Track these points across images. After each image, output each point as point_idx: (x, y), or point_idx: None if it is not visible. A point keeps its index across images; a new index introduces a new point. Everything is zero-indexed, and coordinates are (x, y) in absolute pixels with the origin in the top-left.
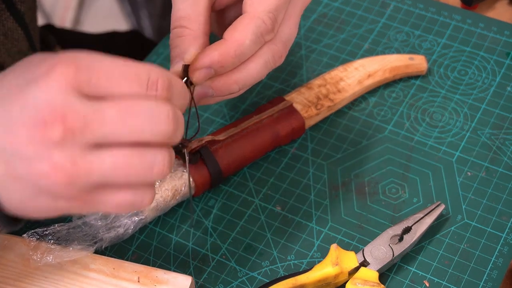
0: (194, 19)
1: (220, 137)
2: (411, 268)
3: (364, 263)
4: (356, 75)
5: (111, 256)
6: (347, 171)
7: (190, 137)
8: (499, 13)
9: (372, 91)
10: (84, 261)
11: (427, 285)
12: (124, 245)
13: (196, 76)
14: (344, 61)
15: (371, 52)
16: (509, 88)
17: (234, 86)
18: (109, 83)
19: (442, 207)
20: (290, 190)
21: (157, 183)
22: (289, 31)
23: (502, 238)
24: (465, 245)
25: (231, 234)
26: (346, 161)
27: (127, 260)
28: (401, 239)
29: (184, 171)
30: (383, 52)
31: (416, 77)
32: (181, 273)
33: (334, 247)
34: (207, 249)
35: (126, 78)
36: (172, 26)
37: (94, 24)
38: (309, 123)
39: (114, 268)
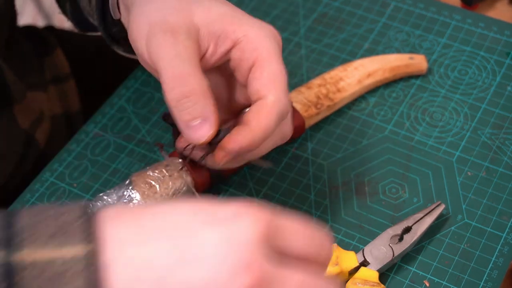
0: (196, 72)
1: None
2: (411, 268)
3: (364, 263)
4: (356, 75)
5: None
6: (347, 171)
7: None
8: (499, 13)
9: (372, 91)
10: None
11: (427, 285)
12: None
13: (220, 159)
14: (344, 61)
15: (371, 52)
16: (509, 88)
17: (242, 161)
18: (292, 241)
19: (442, 207)
20: (290, 190)
21: (157, 184)
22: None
23: (502, 238)
24: (465, 245)
25: None
26: (346, 161)
27: None
28: (401, 239)
29: (185, 170)
30: (383, 52)
31: (416, 76)
32: None
33: (334, 247)
34: None
35: (305, 238)
36: (168, 86)
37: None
38: (309, 122)
39: None
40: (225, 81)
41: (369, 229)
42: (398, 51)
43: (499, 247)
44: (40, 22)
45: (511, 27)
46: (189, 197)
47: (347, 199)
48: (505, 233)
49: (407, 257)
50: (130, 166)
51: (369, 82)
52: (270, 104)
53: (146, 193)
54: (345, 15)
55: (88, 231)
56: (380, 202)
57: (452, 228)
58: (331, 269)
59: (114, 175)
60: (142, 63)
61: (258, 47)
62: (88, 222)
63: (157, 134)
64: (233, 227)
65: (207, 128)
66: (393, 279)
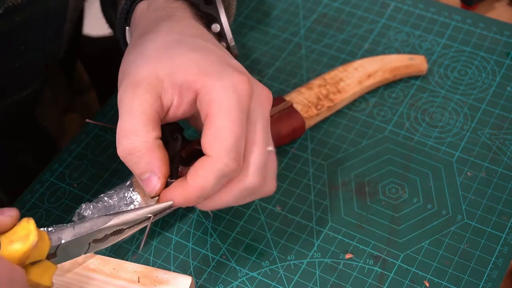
0: (141, 130)
1: None
2: (411, 268)
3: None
4: (356, 76)
5: (111, 256)
6: (347, 171)
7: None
8: (499, 13)
9: (372, 91)
10: (84, 261)
11: (427, 285)
12: (124, 245)
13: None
14: (344, 61)
15: (371, 52)
16: (509, 88)
17: (200, 206)
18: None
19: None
20: (290, 190)
21: None
22: (258, 156)
23: (502, 238)
24: (465, 245)
25: (231, 234)
26: (346, 161)
27: (127, 260)
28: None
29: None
30: (383, 52)
31: (416, 77)
32: (181, 273)
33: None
34: (207, 249)
35: None
36: (116, 142)
37: (95, 27)
38: (309, 123)
39: (114, 268)
40: None
41: (369, 229)
42: (398, 51)
43: (499, 247)
44: None
45: (510, 28)
46: None
47: (347, 199)
48: (504, 233)
49: (407, 257)
50: None
51: (369, 83)
52: (208, 162)
53: (147, 194)
54: (345, 15)
55: None
56: (380, 202)
57: (452, 228)
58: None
59: (114, 175)
60: None
61: (211, 99)
62: None
63: None
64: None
65: (155, 182)
66: (393, 279)
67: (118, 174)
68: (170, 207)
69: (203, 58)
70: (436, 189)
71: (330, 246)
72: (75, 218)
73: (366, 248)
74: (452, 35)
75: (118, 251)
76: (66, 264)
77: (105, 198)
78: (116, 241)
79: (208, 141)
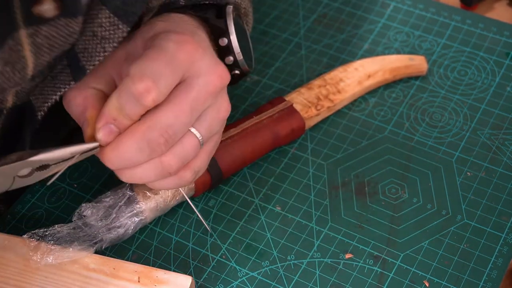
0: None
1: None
2: (410, 268)
3: None
4: (356, 76)
5: (111, 256)
6: (347, 171)
7: None
8: (499, 13)
9: (372, 92)
10: (84, 261)
11: (427, 285)
12: (124, 245)
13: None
14: (344, 61)
15: (371, 53)
16: (508, 88)
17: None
18: None
19: (96, 144)
20: (290, 190)
21: None
22: (169, 116)
23: (502, 238)
24: (465, 245)
25: (231, 234)
26: (346, 161)
27: (127, 260)
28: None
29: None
30: (383, 53)
31: (416, 77)
32: (181, 273)
33: None
34: (207, 249)
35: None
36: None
37: None
38: (309, 123)
39: (114, 268)
40: None
41: (369, 229)
42: (397, 51)
43: (498, 247)
44: None
45: (510, 28)
46: (190, 198)
47: (347, 199)
48: (504, 233)
49: (407, 257)
50: None
51: (369, 83)
52: (124, 82)
53: (147, 194)
54: (345, 15)
55: None
56: (380, 202)
57: (452, 228)
58: None
59: (114, 175)
60: None
61: (155, 43)
62: None
63: None
64: None
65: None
66: (393, 279)
67: None
68: (96, 148)
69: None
70: (436, 189)
71: (330, 246)
72: (74, 218)
73: (366, 248)
74: (452, 35)
75: (118, 251)
76: (66, 264)
77: (104, 199)
78: (42, 178)
79: (129, 65)
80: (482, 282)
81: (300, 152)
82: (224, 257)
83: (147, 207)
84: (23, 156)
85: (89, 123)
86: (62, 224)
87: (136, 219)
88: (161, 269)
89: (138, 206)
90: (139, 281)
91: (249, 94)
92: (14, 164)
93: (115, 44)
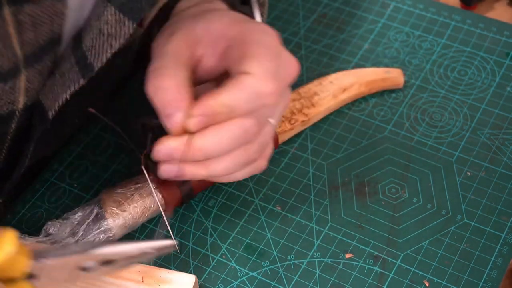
0: (171, 67)
1: None
2: (410, 268)
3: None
4: (331, 89)
5: None
6: (347, 171)
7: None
8: (499, 13)
9: None
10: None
11: (427, 285)
12: None
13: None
14: (344, 61)
15: (371, 53)
16: (508, 88)
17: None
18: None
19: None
20: (290, 190)
21: (126, 203)
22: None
23: (502, 238)
24: (465, 245)
25: (231, 234)
26: (346, 161)
27: None
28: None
29: (154, 188)
30: (383, 52)
31: (417, 77)
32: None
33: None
34: (207, 249)
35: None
36: (149, 77)
37: None
38: (282, 138)
39: None
40: None
41: (369, 229)
42: (397, 51)
43: (498, 247)
44: None
45: (510, 28)
46: (159, 215)
47: (347, 199)
48: (504, 233)
49: (407, 257)
50: (130, 166)
51: (344, 96)
52: (244, 79)
53: (114, 211)
54: (345, 15)
55: None
56: (380, 202)
57: (452, 228)
58: None
59: (114, 175)
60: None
61: (249, 40)
62: None
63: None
64: None
65: (177, 118)
66: (393, 279)
67: (118, 174)
68: (173, 246)
69: (234, 14)
70: (436, 189)
71: (330, 246)
72: (41, 236)
73: (366, 248)
74: (452, 35)
75: None
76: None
77: (72, 216)
78: (107, 273)
79: (247, 62)
80: (482, 282)
81: (300, 152)
82: (224, 257)
83: (115, 224)
84: (86, 247)
85: (184, 117)
86: (33, 237)
87: (104, 236)
88: (165, 269)
89: (105, 223)
90: (142, 281)
91: None
92: (78, 255)
93: (121, 41)
